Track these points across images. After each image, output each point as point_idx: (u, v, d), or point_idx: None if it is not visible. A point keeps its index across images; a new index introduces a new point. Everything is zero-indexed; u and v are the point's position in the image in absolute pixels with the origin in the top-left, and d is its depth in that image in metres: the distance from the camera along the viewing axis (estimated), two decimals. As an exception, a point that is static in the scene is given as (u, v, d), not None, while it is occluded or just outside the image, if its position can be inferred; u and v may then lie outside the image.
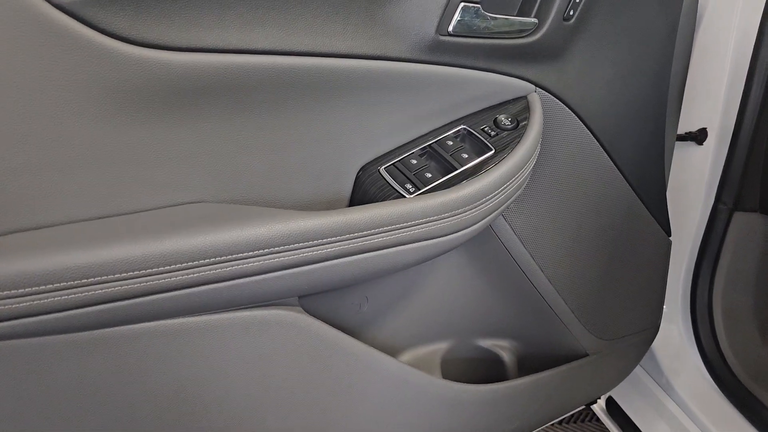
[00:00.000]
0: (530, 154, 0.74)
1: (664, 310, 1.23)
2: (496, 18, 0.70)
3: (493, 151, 0.72)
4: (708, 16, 1.07)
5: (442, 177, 0.70)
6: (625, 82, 0.85)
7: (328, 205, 0.71)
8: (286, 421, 0.72)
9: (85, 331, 0.55)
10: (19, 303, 0.50)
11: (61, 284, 0.51)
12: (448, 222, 0.67)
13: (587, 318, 0.99)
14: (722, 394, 1.17)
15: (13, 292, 0.49)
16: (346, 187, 0.72)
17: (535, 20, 0.73)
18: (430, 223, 0.66)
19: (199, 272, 0.56)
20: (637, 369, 1.34)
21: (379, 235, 0.64)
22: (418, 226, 0.65)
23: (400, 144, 0.73)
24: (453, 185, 0.69)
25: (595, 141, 0.85)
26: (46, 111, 0.52)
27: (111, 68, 0.52)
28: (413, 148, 0.73)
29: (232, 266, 0.57)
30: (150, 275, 0.54)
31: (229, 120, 0.60)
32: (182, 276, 0.55)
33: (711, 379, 1.19)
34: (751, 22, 1.02)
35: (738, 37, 1.04)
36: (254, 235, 0.58)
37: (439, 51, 0.68)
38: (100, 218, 0.57)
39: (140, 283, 0.54)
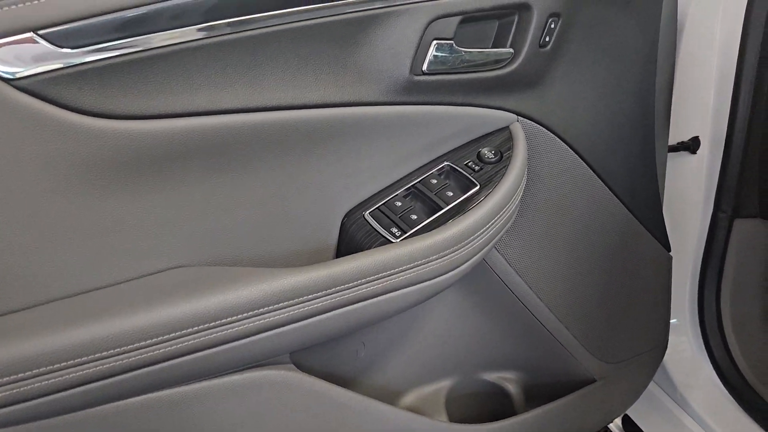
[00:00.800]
0: (516, 186, 0.72)
1: (674, 323, 1.20)
2: (470, 52, 0.69)
3: (478, 187, 0.71)
4: (690, 26, 1.06)
5: (428, 218, 0.69)
6: (609, 102, 0.84)
7: (315, 256, 0.69)
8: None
9: (72, 413, 0.53)
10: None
11: (42, 369, 0.49)
12: (436, 264, 0.66)
13: (591, 343, 0.97)
14: (738, 405, 1.14)
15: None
16: (332, 236, 0.70)
17: (511, 50, 0.72)
18: (417, 268, 0.64)
19: (184, 342, 0.55)
20: (651, 384, 1.31)
21: (367, 285, 0.62)
22: (406, 272, 0.64)
23: (384, 186, 0.72)
24: (439, 225, 0.68)
25: (584, 164, 0.84)
26: (16, 191, 0.51)
27: (80, 144, 0.51)
28: (397, 189, 0.72)
29: (217, 332, 0.56)
30: (133, 350, 0.53)
31: (204, 182, 0.59)
32: (167, 348, 0.54)
33: (726, 391, 1.17)
34: (733, 28, 1.01)
35: (722, 43, 1.03)
36: (237, 298, 0.56)
37: (415, 91, 0.67)
38: (80, 293, 0.56)
39: (123, 360, 0.52)
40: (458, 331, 0.89)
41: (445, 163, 0.74)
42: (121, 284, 0.57)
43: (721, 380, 1.17)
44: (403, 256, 0.63)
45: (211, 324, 0.55)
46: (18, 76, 0.48)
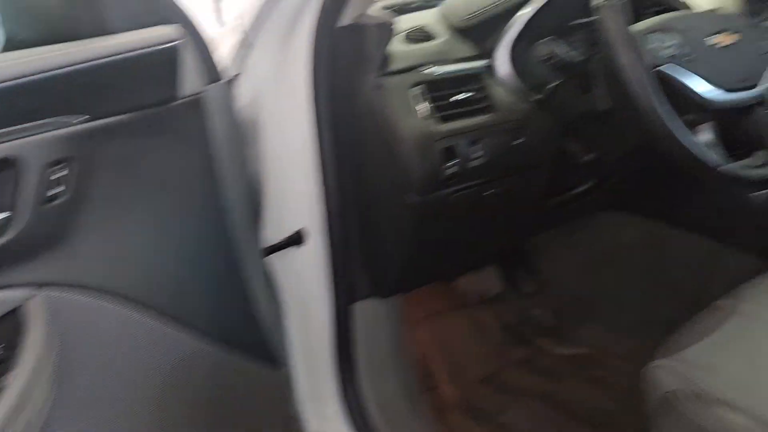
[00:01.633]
0: (31, 390, 0.53)
1: (327, 413, 1.14)
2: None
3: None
4: (268, 124, 1.01)
5: None
6: (167, 235, 0.71)
7: None
8: None
9: None
10: None
11: None
12: None
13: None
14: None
15: None
16: None
17: (7, 213, 0.53)
18: None
19: None
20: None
21: None
22: None
23: None
24: None
25: (148, 319, 0.68)
26: None
27: None
28: None
29: None
30: None
31: None
32: None
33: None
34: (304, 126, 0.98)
35: (300, 139, 1.00)
36: None
37: None
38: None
39: None
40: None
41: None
42: None
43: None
44: None
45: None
46: None
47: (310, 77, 0.92)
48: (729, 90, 0.87)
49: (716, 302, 0.92)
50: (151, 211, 0.68)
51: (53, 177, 0.56)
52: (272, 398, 0.97)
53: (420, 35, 1.05)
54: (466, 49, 1.04)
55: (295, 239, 1.08)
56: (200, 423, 0.81)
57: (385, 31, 0.92)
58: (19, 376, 0.53)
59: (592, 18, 0.87)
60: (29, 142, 0.54)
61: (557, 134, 1.03)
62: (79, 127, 0.58)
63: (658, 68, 0.84)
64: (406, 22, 1.06)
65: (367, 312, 1.13)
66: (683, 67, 0.85)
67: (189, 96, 0.72)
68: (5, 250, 0.54)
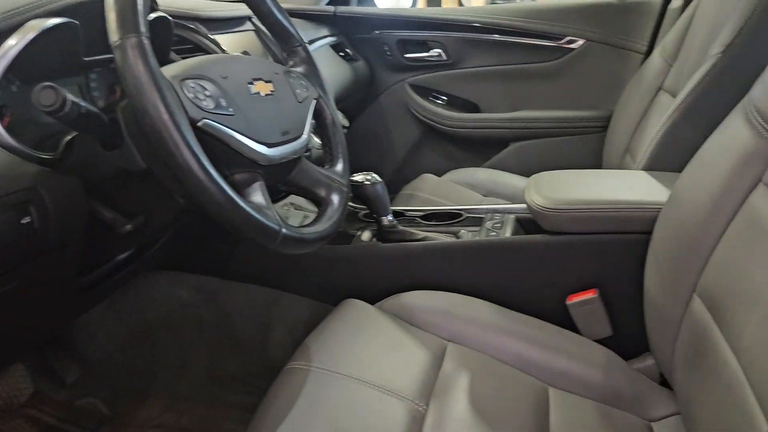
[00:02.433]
0: None
1: None
2: None
3: None
4: None
5: None
6: None
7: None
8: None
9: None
10: None
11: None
12: None
13: None
14: None
15: None
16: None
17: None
18: None
19: None
20: None
21: None
22: None
23: None
24: None
25: None
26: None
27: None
28: None
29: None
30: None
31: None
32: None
33: None
34: None
35: None
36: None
37: None
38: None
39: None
40: None
41: None
42: None
43: None
44: None
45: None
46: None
47: None
48: (274, 144, 0.81)
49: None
50: None
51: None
52: None
53: None
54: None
55: None
56: None
57: None
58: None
59: (110, 55, 0.67)
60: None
61: (82, 202, 0.80)
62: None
63: (199, 123, 0.70)
64: None
65: None
66: (226, 121, 0.74)
67: None
68: None
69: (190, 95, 0.70)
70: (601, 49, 1.86)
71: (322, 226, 0.85)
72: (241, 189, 0.75)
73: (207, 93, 0.72)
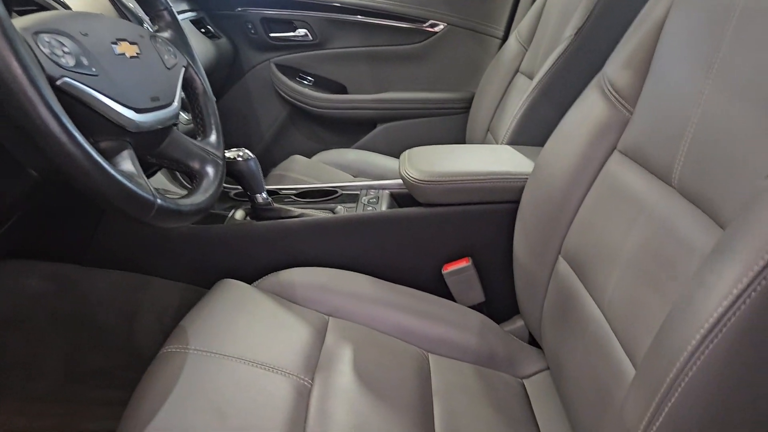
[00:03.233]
0: None
1: None
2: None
3: None
4: None
5: None
6: None
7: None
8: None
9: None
10: None
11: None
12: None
13: None
14: None
15: None
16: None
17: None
18: None
19: None
20: None
21: None
22: None
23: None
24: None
25: None
26: None
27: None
28: None
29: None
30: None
31: None
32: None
33: None
34: None
35: None
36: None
37: None
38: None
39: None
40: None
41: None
42: None
43: None
44: None
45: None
46: None
47: None
48: (143, 110, 0.74)
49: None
50: None
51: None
52: None
53: None
54: None
55: None
56: None
57: None
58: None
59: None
60: None
61: None
62: None
63: (57, 82, 0.63)
64: None
65: None
66: (89, 81, 0.67)
67: None
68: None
69: (46, 50, 0.62)
70: (461, 34, 1.93)
71: (199, 198, 0.81)
72: (109, 157, 0.69)
73: (66, 49, 0.65)
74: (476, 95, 1.78)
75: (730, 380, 0.49)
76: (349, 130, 2.02)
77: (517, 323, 1.11)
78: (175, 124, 0.84)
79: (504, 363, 1.00)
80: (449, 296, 1.14)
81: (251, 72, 2.03)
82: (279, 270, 1.07)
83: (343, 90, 2.04)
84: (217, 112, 0.96)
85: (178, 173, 1.38)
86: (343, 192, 1.27)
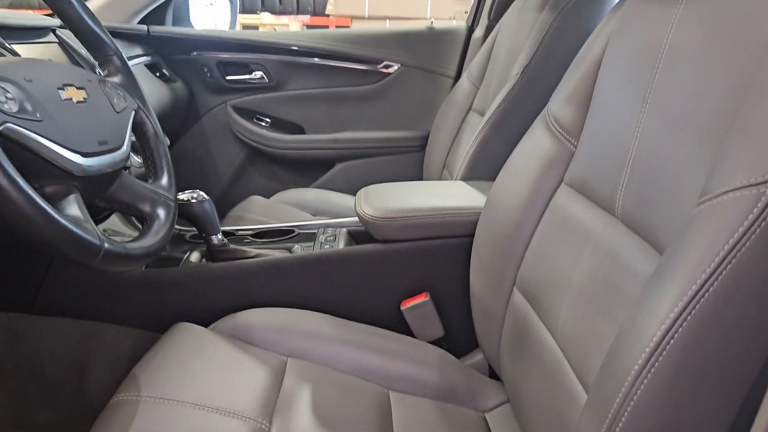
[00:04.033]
0: None
1: None
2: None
3: None
4: None
5: None
6: None
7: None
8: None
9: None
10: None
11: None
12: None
13: None
14: None
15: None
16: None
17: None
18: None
19: None
20: None
21: None
22: None
23: None
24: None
25: None
26: None
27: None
28: None
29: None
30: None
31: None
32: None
33: None
34: None
35: None
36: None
37: None
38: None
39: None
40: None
41: None
42: None
43: None
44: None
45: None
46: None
47: None
48: (90, 154, 0.74)
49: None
50: None
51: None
52: None
53: None
54: None
55: None
56: None
57: None
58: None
59: None
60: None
61: None
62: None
63: (0, 128, 0.62)
64: None
65: None
66: (33, 126, 0.66)
67: None
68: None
69: None
70: (415, 74, 1.98)
71: (149, 241, 0.80)
72: (54, 202, 0.68)
73: (9, 95, 0.64)
74: (431, 133, 1.81)
75: (675, 401, 0.50)
76: (308, 169, 2.03)
77: (477, 357, 1.11)
78: (126, 168, 0.83)
79: (465, 397, 1.00)
80: (409, 332, 1.14)
81: (208, 114, 2.04)
82: (236, 311, 1.06)
83: (300, 130, 2.05)
84: (168, 154, 0.96)
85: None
86: (301, 231, 1.27)
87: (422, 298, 1.13)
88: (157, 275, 1.10)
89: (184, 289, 1.11)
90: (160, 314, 1.11)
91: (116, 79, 0.92)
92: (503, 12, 1.67)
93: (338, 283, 1.14)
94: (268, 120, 2.05)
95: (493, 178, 1.05)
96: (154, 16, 1.88)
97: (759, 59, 0.55)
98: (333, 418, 0.85)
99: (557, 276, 0.81)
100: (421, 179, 1.84)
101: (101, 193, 0.80)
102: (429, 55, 1.97)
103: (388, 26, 4.75)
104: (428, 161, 1.77)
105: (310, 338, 1.02)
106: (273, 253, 1.17)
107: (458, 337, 1.15)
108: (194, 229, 1.14)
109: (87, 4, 1.75)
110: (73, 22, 0.89)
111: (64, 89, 0.73)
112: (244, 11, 5.69)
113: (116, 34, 1.75)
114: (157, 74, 1.83)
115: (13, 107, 0.64)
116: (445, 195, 1.18)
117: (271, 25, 5.14)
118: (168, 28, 1.94)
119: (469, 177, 1.33)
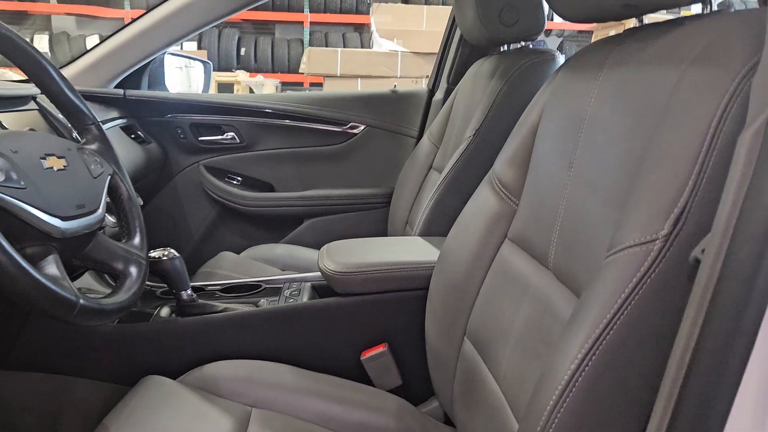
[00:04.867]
0: None
1: None
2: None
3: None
4: None
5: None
6: None
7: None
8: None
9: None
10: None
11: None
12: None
13: None
14: None
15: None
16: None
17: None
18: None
19: None
20: None
21: None
22: None
23: None
24: None
25: None
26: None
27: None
28: None
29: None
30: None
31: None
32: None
33: None
34: None
35: None
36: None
37: None
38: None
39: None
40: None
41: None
42: None
43: None
44: None
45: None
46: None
47: None
48: (69, 217, 0.81)
49: None
50: None
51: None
52: None
53: None
54: None
55: None
56: None
57: None
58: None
59: None
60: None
61: None
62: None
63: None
64: None
65: None
66: (17, 194, 0.73)
67: None
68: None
69: None
70: (380, 134, 2.08)
71: (122, 297, 0.86)
72: (34, 262, 0.74)
73: None
74: (395, 190, 1.90)
75: (586, 430, 0.57)
76: (277, 226, 2.10)
77: (433, 404, 1.16)
78: (101, 228, 0.90)
79: (421, 443, 1.05)
80: (368, 381, 1.19)
81: (181, 174, 2.10)
82: (204, 364, 1.11)
83: (270, 188, 2.13)
84: (141, 215, 1.02)
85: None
86: (267, 286, 1.33)
87: (381, 349, 1.19)
88: (129, 330, 1.15)
89: (155, 343, 1.16)
90: (130, 368, 1.15)
91: (93, 146, 0.99)
92: (461, 77, 1.79)
93: (302, 335, 1.20)
94: (239, 178, 2.12)
95: (447, 233, 1.14)
96: (131, 80, 1.97)
97: (655, 125, 0.65)
98: None
99: (501, 325, 0.88)
100: (386, 234, 1.91)
101: (77, 253, 0.86)
102: (393, 116, 2.08)
103: (360, 85, 4.91)
104: (392, 217, 1.86)
105: (274, 389, 1.07)
106: (240, 308, 1.22)
107: (415, 385, 1.21)
108: (165, 285, 1.19)
109: (68, 66, 1.83)
110: (54, 95, 0.96)
111: (46, 158, 0.80)
112: (219, 69, 5.82)
113: (93, 97, 1.83)
114: (132, 136, 1.90)
115: (0, 176, 0.71)
116: (402, 250, 1.25)
117: (246, 84, 5.27)
118: (144, 92, 2.03)
119: (426, 232, 1.42)
